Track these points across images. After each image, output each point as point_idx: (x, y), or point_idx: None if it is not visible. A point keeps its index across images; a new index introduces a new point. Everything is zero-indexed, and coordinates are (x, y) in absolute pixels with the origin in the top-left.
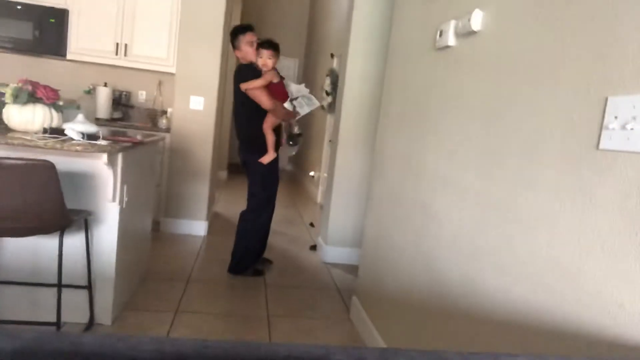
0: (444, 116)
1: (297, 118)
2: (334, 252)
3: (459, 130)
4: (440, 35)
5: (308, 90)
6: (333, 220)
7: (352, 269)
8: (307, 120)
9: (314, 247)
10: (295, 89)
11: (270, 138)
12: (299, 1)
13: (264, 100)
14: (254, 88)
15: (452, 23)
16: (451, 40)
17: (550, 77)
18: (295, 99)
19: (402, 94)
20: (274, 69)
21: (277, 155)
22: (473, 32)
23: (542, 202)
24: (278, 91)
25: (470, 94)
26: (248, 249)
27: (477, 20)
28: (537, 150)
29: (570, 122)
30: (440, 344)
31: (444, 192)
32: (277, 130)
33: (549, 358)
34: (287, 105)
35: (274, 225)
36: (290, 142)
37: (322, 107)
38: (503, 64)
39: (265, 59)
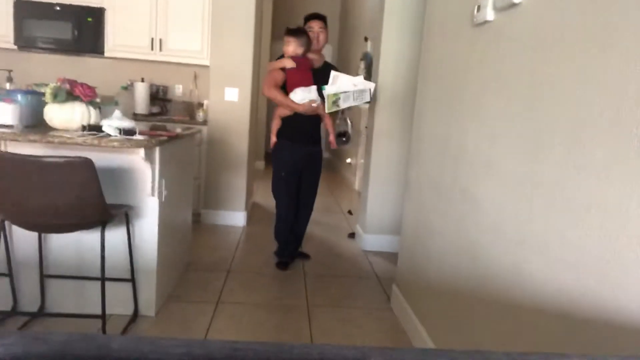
0: (484, 96)
1: (330, 111)
2: (372, 240)
3: (501, 111)
4: (478, 10)
5: (373, 84)
6: (371, 207)
7: (392, 257)
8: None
9: (352, 235)
10: (346, 81)
11: (275, 123)
12: None
13: (263, 85)
14: (267, 73)
15: None
16: (490, 14)
17: (599, 49)
18: (345, 92)
19: (439, 75)
20: (301, 55)
21: (287, 144)
22: (513, 4)
23: (593, 186)
24: (293, 78)
25: (512, 71)
26: (276, 238)
27: None
28: (586, 129)
29: (623, 98)
30: (485, 333)
31: (486, 176)
32: (299, 119)
33: (607, 359)
34: (299, 95)
35: (313, 214)
36: (343, 139)
37: (367, 102)
38: (547, 37)
39: (285, 46)
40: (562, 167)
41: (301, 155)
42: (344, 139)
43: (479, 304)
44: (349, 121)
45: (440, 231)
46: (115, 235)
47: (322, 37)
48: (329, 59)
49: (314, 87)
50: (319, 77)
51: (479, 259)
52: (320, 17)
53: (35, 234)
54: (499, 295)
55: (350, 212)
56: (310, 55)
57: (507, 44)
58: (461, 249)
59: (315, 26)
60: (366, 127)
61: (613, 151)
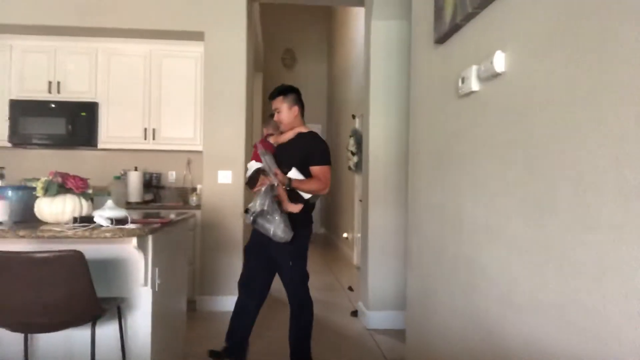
0: (477, 163)
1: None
2: (377, 317)
3: (497, 176)
4: (463, 82)
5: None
6: (372, 282)
7: (399, 334)
8: (335, 182)
9: (355, 313)
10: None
11: None
12: (317, 69)
13: None
14: None
15: (474, 68)
16: (475, 85)
17: (594, 104)
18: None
19: (430, 146)
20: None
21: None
22: (497, 74)
23: (606, 247)
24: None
25: (503, 137)
26: None
27: (500, 62)
28: (590, 188)
29: (624, 150)
30: None
31: (489, 243)
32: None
33: None
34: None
35: (312, 293)
36: (250, 217)
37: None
38: (535, 100)
39: None
40: (569, 229)
41: (262, 235)
42: (250, 216)
43: None
44: (266, 203)
45: (448, 304)
46: (107, 330)
47: (282, 114)
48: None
49: (250, 164)
50: (284, 150)
51: (492, 331)
52: (273, 95)
53: (20, 335)
54: None
55: (350, 289)
56: (285, 135)
57: (495, 111)
58: (472, 322)
59: (272, 107)
60: (360, 200)
61: (622, 209)
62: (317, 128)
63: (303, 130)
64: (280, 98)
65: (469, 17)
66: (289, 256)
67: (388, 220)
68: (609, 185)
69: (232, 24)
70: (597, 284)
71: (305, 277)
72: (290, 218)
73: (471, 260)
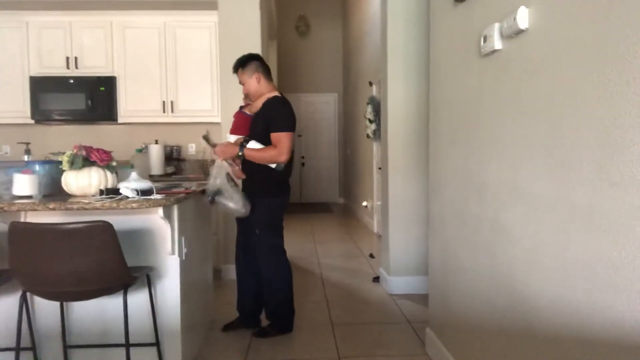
0: (501, 124)
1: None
2: (398, 283)
3: (522, 136)
4: (485, 40)
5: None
6: (393, 249)
7: (421, 299)
8: (353, 150)
9: (376, 279)
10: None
11: None
12: (332, 36)
13: None
14: None
15: (496, 26)
16: (497, 43)
17: (619, 58)
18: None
19: (451, 109)
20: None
21: None
22: (521, 31)
23: (634, 203)
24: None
25: (528, 95)
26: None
27: (523, 18)
28: (616, 145)
29: None
30: None
31: (513, 204)
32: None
33: None
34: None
35: (334, 260)
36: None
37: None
38: (561, 57)
39: None
40: (596, 186)
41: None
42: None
43: (522, 340)
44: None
45: (471, 266)
46: (137, 299)
47: (246, 85)
48: (333, 106)
49: (228, 136)
50: (254, 121)
51: (517, 291)
52: (235, 68)
53: (56, 304)
54: (543, 329)
55: (371, 256)
56: (255, 104)
57: (519, 69)
58: (495, 283)
59: (239, 81)
60: (379, 168)
61: None
62: (332, 97)
63: (269, 95)
64: (240, 71)
65: None
66: (256, 225)
67: (408, 187)
68: (635, 143)
69: None
70: (625, 239)
71: (276, 248)
72: (258, 187)
73: (495, 221)
